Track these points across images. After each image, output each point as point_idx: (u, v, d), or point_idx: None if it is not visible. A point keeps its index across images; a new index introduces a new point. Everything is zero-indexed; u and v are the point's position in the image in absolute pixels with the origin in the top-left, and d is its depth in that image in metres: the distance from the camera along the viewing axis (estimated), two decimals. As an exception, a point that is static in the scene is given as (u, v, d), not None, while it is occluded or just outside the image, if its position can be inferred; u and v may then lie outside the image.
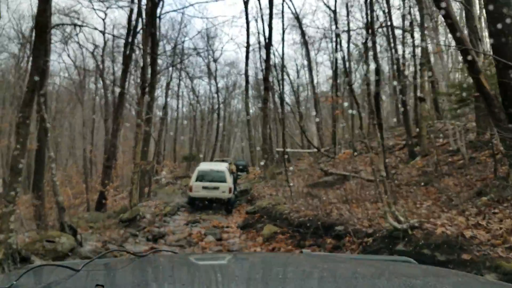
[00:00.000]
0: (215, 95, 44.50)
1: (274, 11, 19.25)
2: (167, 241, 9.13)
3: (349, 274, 1.60)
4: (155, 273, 1.60)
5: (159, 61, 32.82)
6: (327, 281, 1.49)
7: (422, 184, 10.99)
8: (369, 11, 14.70)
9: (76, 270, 1.38)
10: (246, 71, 25.14)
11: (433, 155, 14.30)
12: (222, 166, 16.69)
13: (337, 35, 23.73)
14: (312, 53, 33.64)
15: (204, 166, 17.30)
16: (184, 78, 42.02)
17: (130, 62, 14.19)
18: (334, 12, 23.58)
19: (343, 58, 21.67)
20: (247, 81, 25.43)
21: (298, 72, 40.91)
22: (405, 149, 16.95)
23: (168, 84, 37.33)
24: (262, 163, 21.58)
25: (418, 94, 15.46)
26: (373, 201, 9.58)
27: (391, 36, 16.89)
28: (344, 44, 29.97)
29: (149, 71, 13.50)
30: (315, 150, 23.26)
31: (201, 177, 15.04)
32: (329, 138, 31.50)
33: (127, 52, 14.53)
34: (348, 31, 21.63)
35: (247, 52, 24.17)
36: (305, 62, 32.78)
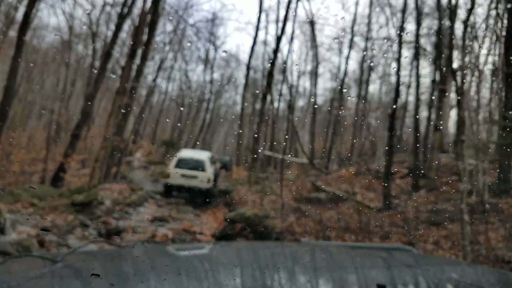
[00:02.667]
0: (208, 85, 42.71)
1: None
2: (124, 241, 7.20)
3: (351, 262, 1.58)
4: (143, 263, 1.53)
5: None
6: (328, 270, 1.44)
7: (434, 224, 9.44)
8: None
9: (56, 261, 1.33)
10: (249, 62, 23.25)
11: (440, 191, 12.81)
12: (203, 155, 15.78)
13: (351, 43, 22.09)
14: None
15: (185, 153, 16.28)
16: (179, 60, 39.91)
17: (123, 22, 12.24)
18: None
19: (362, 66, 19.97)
20: (248, 73, 23.56)
21: (299, 78, 39.32)
22: (407, 178, 15.46)
23: (161, 62, 35.21)
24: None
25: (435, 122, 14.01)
26: (381, 235, 7.91)
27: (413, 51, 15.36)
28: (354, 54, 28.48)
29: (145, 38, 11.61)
30: (306, 161, 21.65)
31: (180, 164, 14.27)
32: (320, 152, 29.99)
33: (124, 10, 12.51)
34: (366, 39, 20.05)
35: (254, 40, 22.28)
36: (308, 68, 31.15)
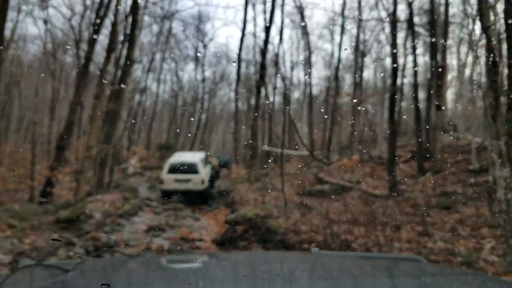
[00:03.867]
0: (200, 84, 41.96)
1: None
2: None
3: (359, 272, 1.58)
4: (153, 273, 1.55)
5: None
6: (337, 280, 1.43)
7: (445, 207, 8.80)
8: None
9: (67, 270, 1.36)
10: (239, 55, 22.48)
11: (448, 172, 12.19)
12: (195, 157, 15.62)
13: (342, 27, 21.38)
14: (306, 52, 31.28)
15: (176, 157, 16.27)
16: (168, 60, 39.16)
17: (101, 23, 11.47)
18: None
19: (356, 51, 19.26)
20: (239, 66, 22.82)
21: (292, 69, 38.63)
22: (411, 162, 14.83)
23: (150, 63, 34.47)
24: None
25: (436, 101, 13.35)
26: (393, 226, 7.26)
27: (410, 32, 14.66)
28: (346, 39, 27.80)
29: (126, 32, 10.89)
30: (307, 153, 20.99)
31: (172, 169, 14.31)
32: (319, 142, 29.31)
33: (101, 8, 11.72)
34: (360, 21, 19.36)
35: (243, 33, 21.56)
36: (300, 58, 30.42)
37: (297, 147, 32.25)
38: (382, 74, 22.44)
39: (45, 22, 21.51)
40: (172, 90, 42.64)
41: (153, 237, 8.31)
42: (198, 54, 39.06)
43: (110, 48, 9.10)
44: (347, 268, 1.69)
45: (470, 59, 19.89)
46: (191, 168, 14.33)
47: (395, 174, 10.87)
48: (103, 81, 8.85)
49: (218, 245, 7.94)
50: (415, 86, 13.47)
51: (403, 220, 7.52)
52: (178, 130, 40.29)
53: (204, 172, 14.67)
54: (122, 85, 13.30)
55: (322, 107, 30.20)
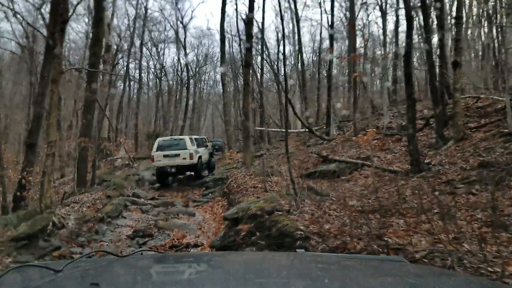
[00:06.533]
0: (185, 68, 40.02)
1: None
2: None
3: (343, 273, 1.61)
4: (143, 273, 1.59)
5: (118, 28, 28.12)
6: (322, 280, 1.48)
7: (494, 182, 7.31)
8: None
9: (57, 270, 1.37)
10: (222, 26, 20.59)
11: (477, 138, 10.76)
12: (184, 136, 16.86)
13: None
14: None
15: (165, 137, 17.91)
16: (148, 44, 37.09)
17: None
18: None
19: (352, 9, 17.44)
20: (222, 41, 20.92)
21: (278, 42, 36.76)
22: (425, 130, 13.38)
23: (129, 49, 32.47)
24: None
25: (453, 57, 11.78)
26: (440, 214, 5.77)
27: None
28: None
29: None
30: (303, 130, 19.50)
31: (161, 147, 15.18)
32: (313, 117, 27.82)
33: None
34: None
35: (224, 3, 19.65)
36: (286, 32, 28.54)
37: (286, 125, 30.76)
38: (381, 33, 20.73)
39: (15, 14, 19.55)
40: (156, 76, 40.69)
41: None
42: (179, 34, 37.04)
43: (60, 17, 7.30)
44: (332, 269, 1.71)
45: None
46: (178, 144, 15.14)
47: (417, 145, 9.38)
48: (58, 60, 7.13)
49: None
50: (427, 39, 11.85)
51: (445, 203, 6.04)
52: (165, 117, 38.56)
53: (192, 148, 15.14)
54: (92, 69, 11.60)
55: (316, 78, 28.55)
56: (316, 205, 6.71)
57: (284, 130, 24.65)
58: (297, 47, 26.72)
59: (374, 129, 10.67)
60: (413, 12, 10.25)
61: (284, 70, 22.49)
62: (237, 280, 1.45)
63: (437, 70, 13.28)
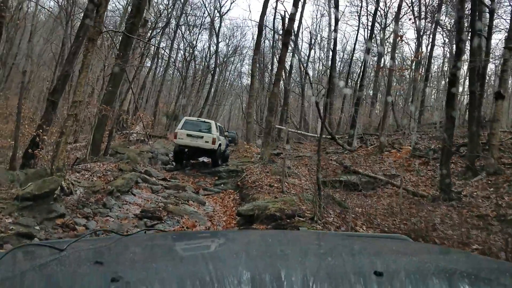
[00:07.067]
0: (213, 56, 39.63)
1: None
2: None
3: (348, 250, 1.61)
4: (148, 252, 1.58)
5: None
6: (326, 257, 1.49)
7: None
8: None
9: (61, 249, 1.35)
10: (262, 17, 20.05)
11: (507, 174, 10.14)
12: (210, 120, 16.79)
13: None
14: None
15: (192, 117, 18.06)
16: (184, 27, 36.83)
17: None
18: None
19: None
20: (260, 31, 20.41)
21: (310, 46, 36.17)
22: (455, 158, 12.74)
23: (163, 28, 32.18)
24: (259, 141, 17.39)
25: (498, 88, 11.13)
26: (478, 250, 5.25)
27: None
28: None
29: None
30: (326, 136, 18.92)
31: (186, 125, 15.06)
32: (335, 125, 27.24)
33: None
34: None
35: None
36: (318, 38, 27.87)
37: (305, 128, 30.17)
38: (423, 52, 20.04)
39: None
40: (184, 59, 40.36)
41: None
42: (214, 23, 36.71)
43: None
44: (335, 246, 1.70)
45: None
46: (204, 126, 15.09)
47: (449, 171, 8.81)
48: (99, 18, 6.75)
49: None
50: (471, 67, 11.23)
51: (481, 239, 5.52)
52: (186, 100, 38.27)
53: (216, 133, 15.00)
54: (129, 34, 11.23)
55: (342, 87, 27.89)
56: (341, 218, 6.22)
57: (304, 132, 24.05)
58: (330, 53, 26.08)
59: (409, 147, 10.06)
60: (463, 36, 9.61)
61: (333, 62, 22.20)
62: (239, 257, 1.44)
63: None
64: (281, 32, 27.91)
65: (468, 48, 10.04)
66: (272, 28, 29.01)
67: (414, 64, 18.14)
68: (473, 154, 10.72)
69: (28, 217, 5.31)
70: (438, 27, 21.82)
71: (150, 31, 27.54)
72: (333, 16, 25.77)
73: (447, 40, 25.46)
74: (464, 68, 15.28)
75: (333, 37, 25.02)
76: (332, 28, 25.40)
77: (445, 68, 27.66)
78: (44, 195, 5.87)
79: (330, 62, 27.65)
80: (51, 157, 7.19)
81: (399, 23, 24.06)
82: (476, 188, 9.55)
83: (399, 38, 15.64)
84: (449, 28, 23.23)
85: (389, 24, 26.07)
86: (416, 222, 6.86)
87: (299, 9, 20.66)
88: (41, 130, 10.30)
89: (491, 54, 15.81)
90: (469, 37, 11.96)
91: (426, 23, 21.75)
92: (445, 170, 8.67)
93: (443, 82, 33.79)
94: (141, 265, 1.32)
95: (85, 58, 6.69)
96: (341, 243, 1.76)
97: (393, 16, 24.98)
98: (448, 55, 25.64)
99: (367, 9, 35.94)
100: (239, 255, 1.49)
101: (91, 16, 9.13)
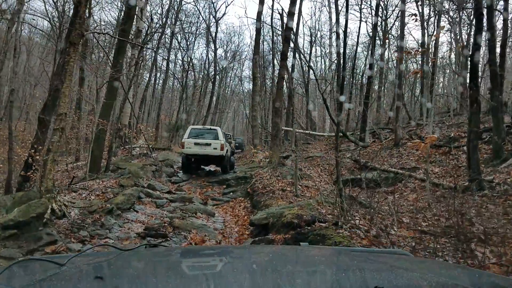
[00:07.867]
0: (212, 63, 39.02)
1: None
2: None
3: (349, 265, 1.60)
4: (148, 266, 1.56)
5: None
6: (327, 272, 1.48)
7: None
8: None
9: (61, 264, 1.34)
10: (259, 16, 19.39)
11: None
12: (216, 127, 16.60)
13: None
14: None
15: (197, 126, 17.83)
16: (179, 36, 36.31)
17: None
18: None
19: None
20: (258, 31, 19.76)
21: (311, 44, 35.46)
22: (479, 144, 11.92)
23: (159, 39, 31.62)
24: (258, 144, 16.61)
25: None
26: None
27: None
28: None
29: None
30: (333, 134, 18.17)
31: (193, 134, 14.90)
32: (344, 121, 26.46)
33: None
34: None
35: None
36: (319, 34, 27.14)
37: (311, 128, 29.37)
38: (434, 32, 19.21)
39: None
40: (183, 69, 39.77)
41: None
42: (210, 29, 36.21)
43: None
44: (336, 261, 1.69)
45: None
46: (210, 134, 14.89)
47: (478, 159, 8.02)
48: (79, 20, 6.08)
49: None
50: (491, 44, 10.43)
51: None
52: (188, 110, 37.67)
53: (223, 140, 14.77)
54: (119, 38, 10.59)
55: (349, 82, 27.10)
56: (368, 220, 5.46)
57: (312, 132, 23.25)
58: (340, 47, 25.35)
59: (434, 135, 9.29)
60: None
61: (344, 58, 21.68)
62: (241, 274, 1.41)
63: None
64: (279, 32, 27.30)
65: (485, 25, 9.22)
66: (270, 24, 28.33)
67: (431, 44, 17.35)
68: (500, 138, 9.90)
69: (12, 248, 4.61)
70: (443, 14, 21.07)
71: (145, 40, 26.98)
72: (333, 6, 25.06)
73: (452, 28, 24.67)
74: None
75: (336, 30, 24.29)
76: (334, 20, 24.65)
77: (452, 56, 26.80)
78: (31, 220, 5.17)
79: (336, 55, 26.95)
80: (39, 178, 6.49)
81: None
82: (508, 174, 8.74)
83: (412, 16, 14.86)
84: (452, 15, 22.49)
85: (390, 16, 25.35)
86: (448, 217, 6.09)
87: (297, 6, 20.04)
88: (33, 151, 9.67)
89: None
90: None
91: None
92: (474, 159, 7.87)
93: (448, 70, 33.02)
94: (141, 281, 1.32)
95: (67, 65, 6.02)
96: (342, 258, 1.76)
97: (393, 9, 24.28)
98: (453, 43, 24.82)
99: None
100: (241, 272, 1.46)
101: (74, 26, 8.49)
